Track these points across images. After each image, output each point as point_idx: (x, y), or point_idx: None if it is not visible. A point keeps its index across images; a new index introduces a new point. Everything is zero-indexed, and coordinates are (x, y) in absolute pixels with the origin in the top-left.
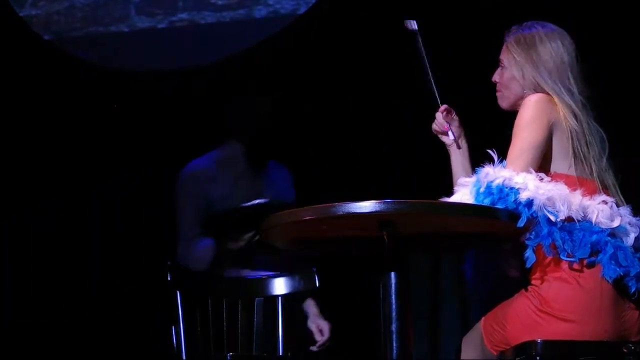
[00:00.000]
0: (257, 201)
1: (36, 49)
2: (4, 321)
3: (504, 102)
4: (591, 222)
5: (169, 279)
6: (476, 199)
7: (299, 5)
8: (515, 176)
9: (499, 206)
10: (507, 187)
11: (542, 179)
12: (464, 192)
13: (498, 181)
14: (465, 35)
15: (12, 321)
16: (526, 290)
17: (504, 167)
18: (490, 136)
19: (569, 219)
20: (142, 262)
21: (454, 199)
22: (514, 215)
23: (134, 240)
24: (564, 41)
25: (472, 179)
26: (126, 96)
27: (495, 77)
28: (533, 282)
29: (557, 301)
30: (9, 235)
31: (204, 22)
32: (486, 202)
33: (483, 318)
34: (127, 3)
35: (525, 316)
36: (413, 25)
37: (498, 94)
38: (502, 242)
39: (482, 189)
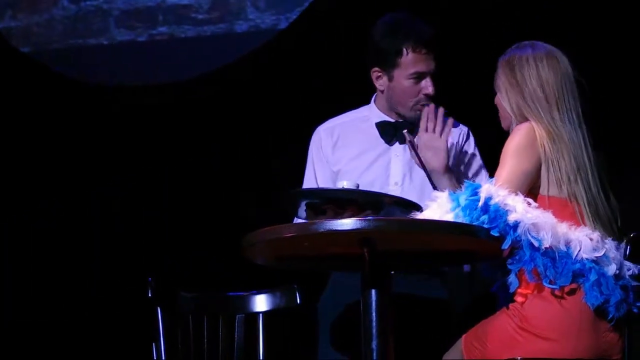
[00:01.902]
0: (341, 187)
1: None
2: (4, 321)
3: (502, 124)
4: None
5: (149, 295)
6: (470, 214)
7: (279, 20)
8: (508, 197)
9: (490, 225)
10: (502, 208)
11: (530, 204)
12: (441, 206)
13: (496, 200)
14: (463, 35)
15: (12, 321)
16: (507, 308)
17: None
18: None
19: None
20: (142, 262)
21: (429, 213)
22: (494, 235)
23: (134, 240)
24: (552, 62)
25: (462, 191)
26: (122, 97)
27: (495, 100)
28: (514, 300)
29: (537, 319)
30: (9, 235)
31: (184, 36)
32: (482, 219)
33: (464, 335)
34: (106, 16)
35: (506, 334)
36: (408, 136)
37: (499, 115)
38: (483, 260)
39: (480, 203)
